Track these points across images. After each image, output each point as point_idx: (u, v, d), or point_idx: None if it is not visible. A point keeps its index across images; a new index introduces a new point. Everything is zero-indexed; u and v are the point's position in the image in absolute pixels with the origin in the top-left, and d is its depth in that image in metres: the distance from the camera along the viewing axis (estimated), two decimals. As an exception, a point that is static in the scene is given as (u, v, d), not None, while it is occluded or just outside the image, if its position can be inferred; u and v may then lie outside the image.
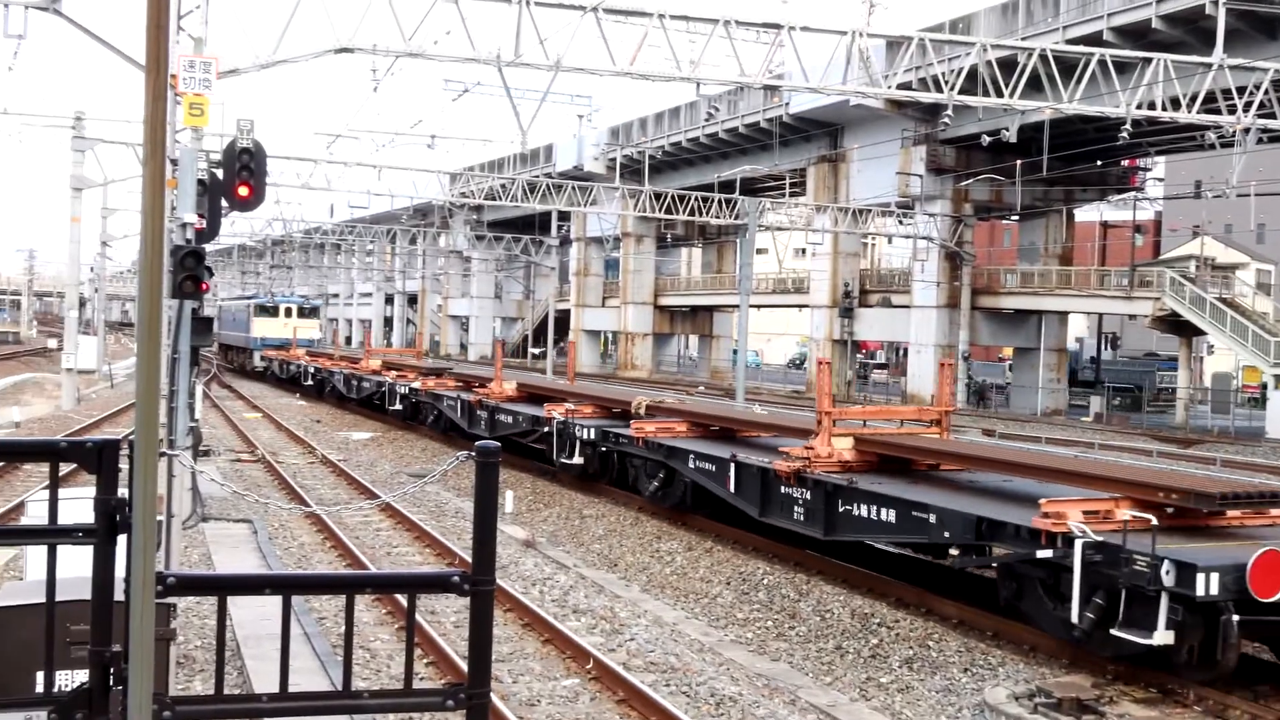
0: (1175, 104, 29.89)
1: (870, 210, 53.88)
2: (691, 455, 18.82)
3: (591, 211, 61.60)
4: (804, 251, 66.94)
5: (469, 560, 4.04)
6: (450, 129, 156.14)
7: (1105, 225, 67.30)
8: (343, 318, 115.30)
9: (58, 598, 4.00)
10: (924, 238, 51.91)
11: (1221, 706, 10.64)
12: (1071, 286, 50.37)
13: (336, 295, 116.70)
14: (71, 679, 5.16)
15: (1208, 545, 11.21)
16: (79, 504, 4.28)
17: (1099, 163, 47.01)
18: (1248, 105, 29.74)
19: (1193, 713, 10.64)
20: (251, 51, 41.61)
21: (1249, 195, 43.66)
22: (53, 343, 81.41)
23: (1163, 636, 10.40)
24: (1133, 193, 56.31)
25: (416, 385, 34.64)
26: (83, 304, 64.36)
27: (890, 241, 76.08)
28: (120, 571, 3.64)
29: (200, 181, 14.03)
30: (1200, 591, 10.14)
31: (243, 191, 14.34)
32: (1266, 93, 29.77)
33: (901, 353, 66.20)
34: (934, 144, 50.42)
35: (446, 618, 13.31)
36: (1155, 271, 47.11)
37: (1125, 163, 53.59)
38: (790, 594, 14.92)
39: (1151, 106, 30.24)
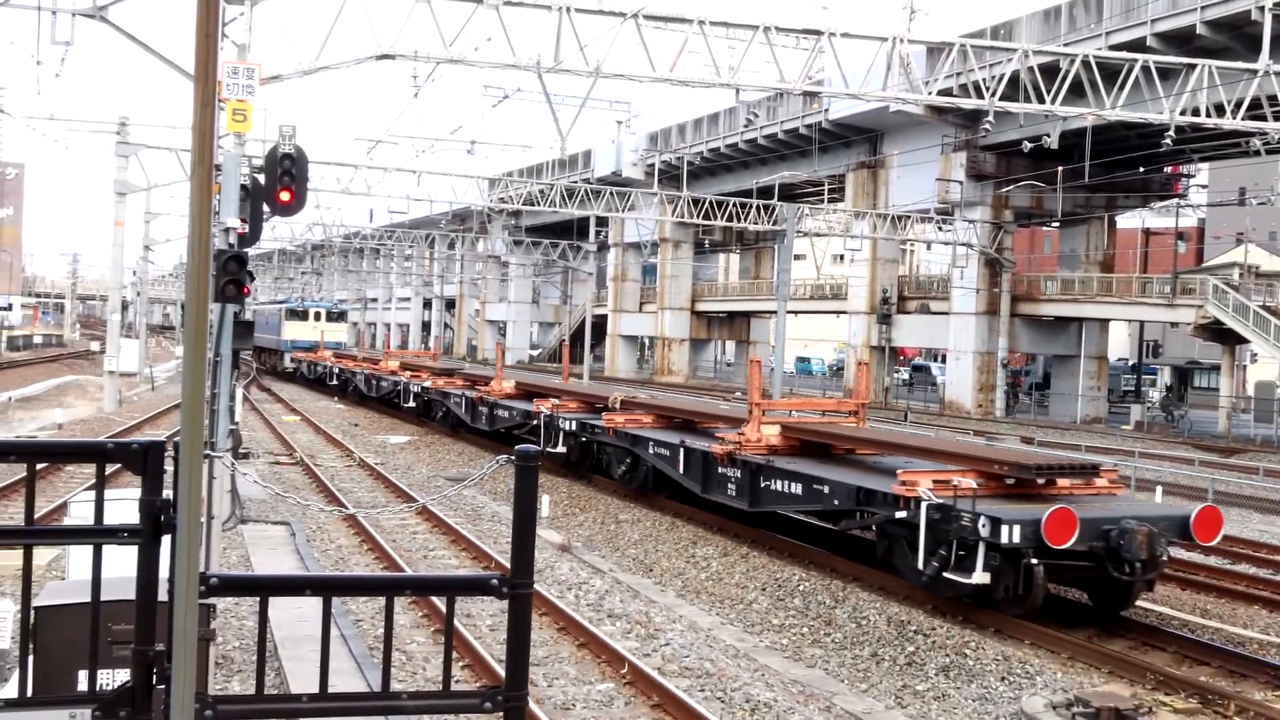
0: (1219, 110, 29.60)
1: (909, 216, 53.64)
2: (651, 442, 21.29)
3: (629, 217, 61.65)
4: (842, 257, 66.76)
5: (505, 564, 4.06)
6: (490, 135, 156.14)
7: (1147, 232, 66.68)
8: (381, 322, 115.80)
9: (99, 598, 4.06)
10: (963, 244, 51.63)
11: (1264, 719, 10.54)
12: (1113, 294, 49.96)
13: (375, 300, 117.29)
14: (113, 678, 5.23)
15: (1024, 506, 13.39)
16: (118, 505, 4.33)
17: (1141, 169, 46.52)
18: (1293, 112, 29.44)
19: (1233, 725, 10.55)
20: (294, 58, 41.93)
21: (1293, 202, 43.18)
22: (95, 345, 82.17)
23: (980, 577, 12.83)
24: (1175, 199, 55.76)
25: (428, 384, 36.66)
26: (125, 307, 65.01)
27: (929, 248, 75.75)
28: (164, 572, 3.68)
29: (243, 186, 14.13)
30: (1005, 540, 12.45)
31: (284, 196, 14.42)
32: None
33: (941, 359, 65.89)
34: (974, 150, 50.13)
35: (482, 620, 13.34)
36: (1198, 279, 46.63)
37: (1168, 169, 53.06)
38: (826, 600, 14.88)
39: (1195, 113, 29.96)
